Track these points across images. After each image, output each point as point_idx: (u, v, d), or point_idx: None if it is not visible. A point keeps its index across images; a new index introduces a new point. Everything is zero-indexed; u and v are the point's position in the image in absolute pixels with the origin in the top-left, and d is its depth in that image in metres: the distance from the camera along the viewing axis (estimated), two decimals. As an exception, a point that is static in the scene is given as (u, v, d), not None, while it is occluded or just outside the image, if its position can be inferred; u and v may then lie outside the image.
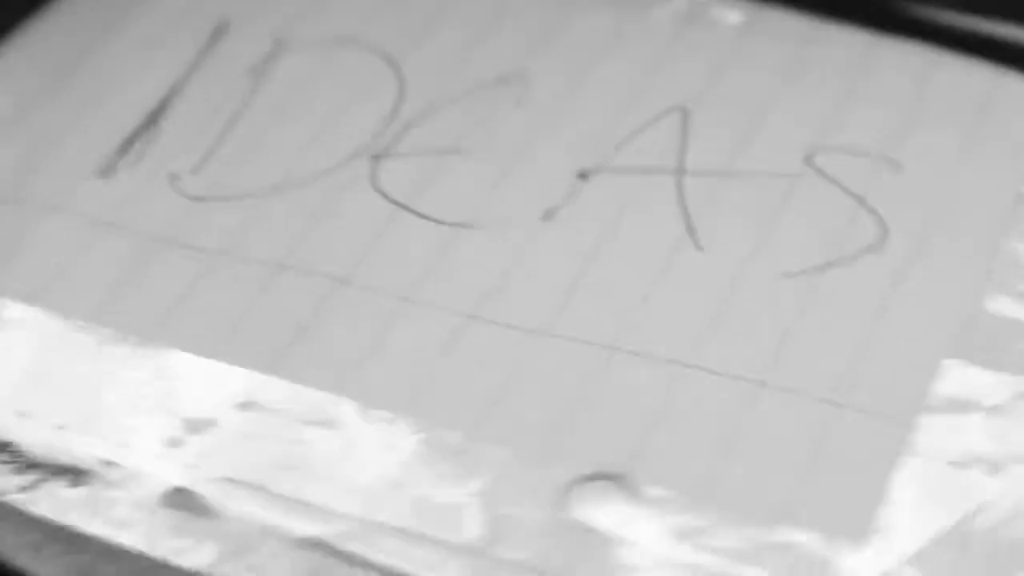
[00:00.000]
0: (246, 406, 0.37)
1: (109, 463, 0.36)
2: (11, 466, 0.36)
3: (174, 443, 0.36)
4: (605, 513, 0.34)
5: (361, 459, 0.36)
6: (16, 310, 0.39)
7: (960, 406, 0.36)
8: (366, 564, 0.34)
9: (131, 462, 0.36)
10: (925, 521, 0.34)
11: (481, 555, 0.34)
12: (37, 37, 0.48)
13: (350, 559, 0.34)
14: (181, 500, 0.35)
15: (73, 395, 0.37)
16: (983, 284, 0.39)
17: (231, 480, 0.35)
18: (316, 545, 0.34)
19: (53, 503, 0.35)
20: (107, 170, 0.43)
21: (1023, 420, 0.36)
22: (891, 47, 0.45)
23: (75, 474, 0.36)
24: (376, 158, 0.42)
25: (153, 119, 0.44)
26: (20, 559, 0.35)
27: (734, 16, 0.46)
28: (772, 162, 0.42)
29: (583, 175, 0.41)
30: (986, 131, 0.42)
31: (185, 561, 0.34)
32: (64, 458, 0.36)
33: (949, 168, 0.41)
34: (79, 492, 0.35)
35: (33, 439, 0.36)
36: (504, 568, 0.34)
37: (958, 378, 0.36)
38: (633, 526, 0.34)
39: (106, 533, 0.35)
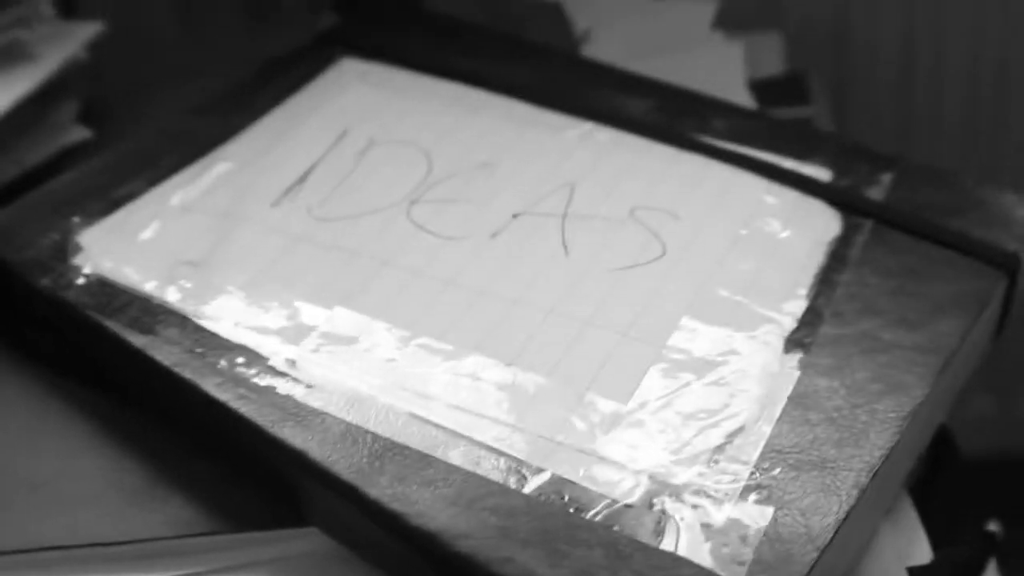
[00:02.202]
0: (329, 321, 0.40)
1: (271, 355, 0.39)
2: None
3: (294, 341, 0.39)
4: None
5: (379, 351, 0.39)
6: (221, 276, 0.42)
7: (689, 341, 0.38)
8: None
9: (272, 349, 0.39)
10: (655, 389, 0.37)
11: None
12: (259, 128, 0.49)
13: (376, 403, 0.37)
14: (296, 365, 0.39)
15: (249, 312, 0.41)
16: (714, 278, 0.40)
17: (314, 354, 0.39)
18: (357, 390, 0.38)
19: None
20: (277, 202, 0.45)
21: (710, 354, 0.38)
22: (686, 158, 0.46)
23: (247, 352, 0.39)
24: (411, 202, 0.44)
25: (304, 177, 0.46)
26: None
27: (606, 137, 0.47)
28: (613, 212, 0.43)
29: (515, 215, 0.43)
30: (723, 205, 0.44)
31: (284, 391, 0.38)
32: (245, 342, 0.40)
33: (701, 219, 0.43)
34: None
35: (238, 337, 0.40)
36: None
37: (689, 327, 0.39)
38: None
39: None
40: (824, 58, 0.72)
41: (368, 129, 0.49)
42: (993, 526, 0.40)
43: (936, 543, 0.39)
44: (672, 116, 0.48)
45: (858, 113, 0.75)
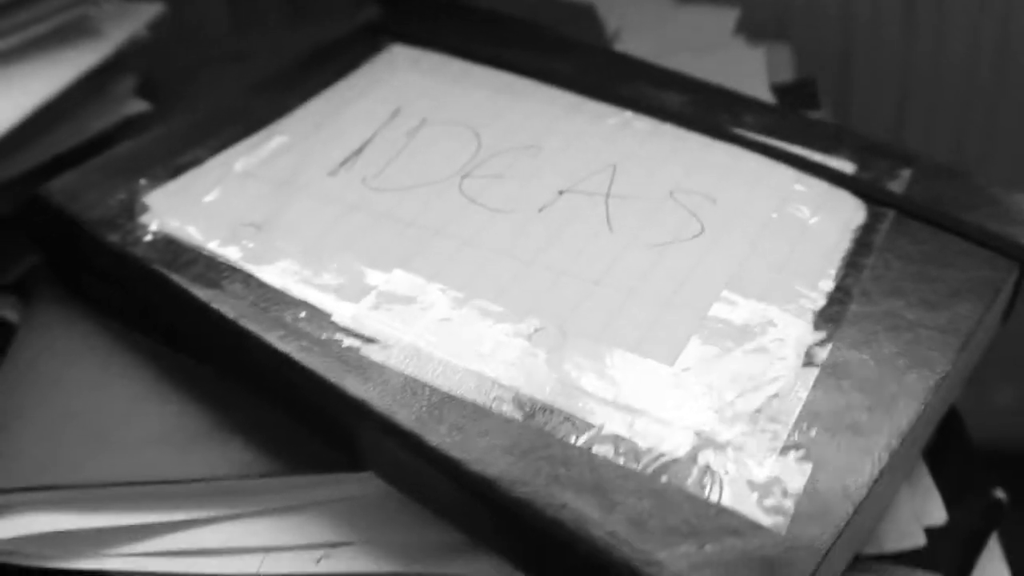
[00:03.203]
0: (388, 282, 0.40)
1: (332, 310, 0.39)
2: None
3: (354, 299, 0.39)
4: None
5: (435, 311, 0.39)
6: (281, 238, 0.42)
7: (728, 312, 0.38)
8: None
9: (332, 306, 0.39)
10: (697, 354, 0.37)
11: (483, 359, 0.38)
12: (313, 106, 0.49)
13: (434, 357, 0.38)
14: (357, 321, 0.39)
15: (310, 271, 0.41)
16: (750, 256, 0.40)
17: (373, 311, 0.39)
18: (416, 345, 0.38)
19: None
20: (334, 172, 0.45)
21: (749, 324, 0.38)
22: (721, 147, 0.45)
23: (309, 308, 0.39)
24: (463, 177, 0.44)
25: (359, 150, 0.46)
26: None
27: (644, 125, 0.46)
28: (654, 193, 0.43)
29: (561, 192, 0.43)
30: (757, 191, 0.43)
31: (345, 344, 0.38)
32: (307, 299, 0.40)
33: (737, 202, 0.43)
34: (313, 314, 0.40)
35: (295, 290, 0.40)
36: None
37: (728, 298, 0.39)
38: (565, 349, 0.38)
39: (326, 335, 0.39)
40: (829, 68, 0.73)
41: (420, 109, 0.49)
42: (999, 493, 0.40)
43: (948, 508, 0.39)
44: (707, 109, 0.48)
45: (858, 120, 0.75)
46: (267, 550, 0.38)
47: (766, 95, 0.54)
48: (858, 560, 0.36)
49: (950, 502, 0.39)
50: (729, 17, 0.61)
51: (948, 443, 0.42)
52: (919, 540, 0.37)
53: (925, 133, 0.77)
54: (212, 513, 0.38)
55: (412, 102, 0.49)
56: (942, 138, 0.77)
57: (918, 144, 0.76)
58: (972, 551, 0.38)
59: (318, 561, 0.37)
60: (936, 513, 0.38)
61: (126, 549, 0.38)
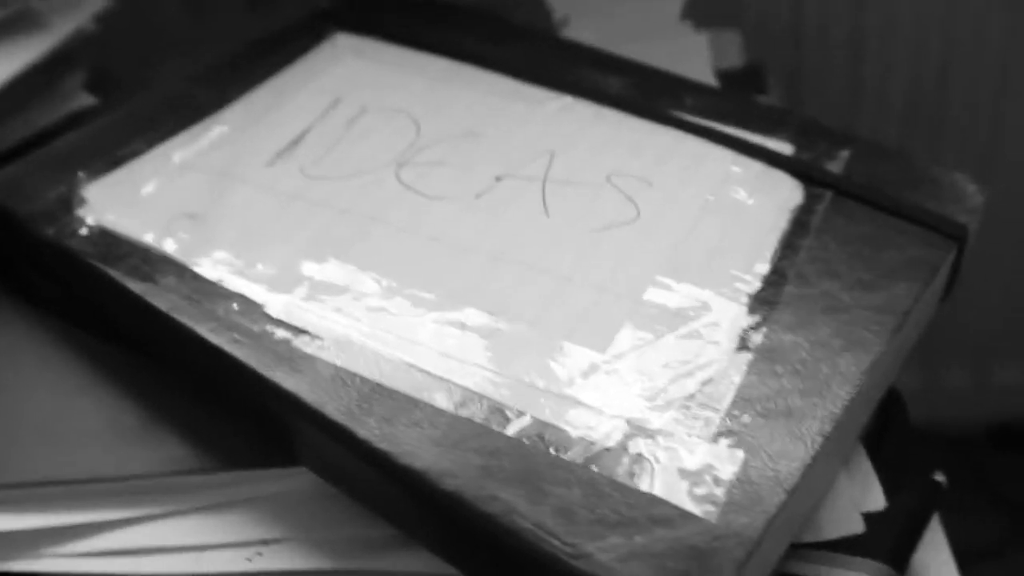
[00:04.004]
0: (321, 272, 0.38)
1: (264, 302, 0.37)
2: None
3: (287, 290, 0.37)
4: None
5: (367, 300, 0.37)
6: (217, 229, 0.40)
7: (663, 297, 0.36)
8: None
9: (265, 297, 0.37)
10: (630, 340, 0.35)
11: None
12: (255, 96, 0.47)
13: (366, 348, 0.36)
14: (289, 312, 0.37)
15: (244, 262, 0.39)
16: (685, 240, 0.38)
17: (306, 302, 0.37)
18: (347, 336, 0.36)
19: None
20: (272, 162, 0.43)
21: (683, 309, 0.36)
22: (660, 131, 0.43)
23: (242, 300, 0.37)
24: (400, 164, 0.42)
25: (298, 140, 0.44)
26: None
27: (585, 111, 0.44)
28: (592, 177, 0.41)
29: (498, 178, 0.41)
30: (694, 174, 0.41)
31: (276, 336, 0.36)
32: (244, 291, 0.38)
33: (674, 186, 0.41)
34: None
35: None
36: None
37: (663, 283, 0.37)
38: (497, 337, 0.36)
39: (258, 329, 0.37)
40: (779, 50, 0.70)
41: (360, 97, 0.46)
42: (939, 476, 0.38)
43: (887, 493, 0.37)
44: (647, 93, 0.46)
45: (810, 101, 0.73)
46: (201, 548, 0.35)
47: (709, 80, 0.52)
48: (796, 548, 0.34)
49: (890, 487, 0.37)
50: (675, 3, 0.59)
51: (888, 426, 0.40)
52: (857, 526, 0.35)
53: (876, 118, 0.75)
54: (146, 511, 0.36)
55: (353, 90, 0.47)
56: (893, 115, 0.75)
57: (869, 129, 0.74)
58: (912, 536, 0.36)
59: (250, 559, 0.34)
60: (875, 498, 0.36)
61: (60, 550, 0.36)
